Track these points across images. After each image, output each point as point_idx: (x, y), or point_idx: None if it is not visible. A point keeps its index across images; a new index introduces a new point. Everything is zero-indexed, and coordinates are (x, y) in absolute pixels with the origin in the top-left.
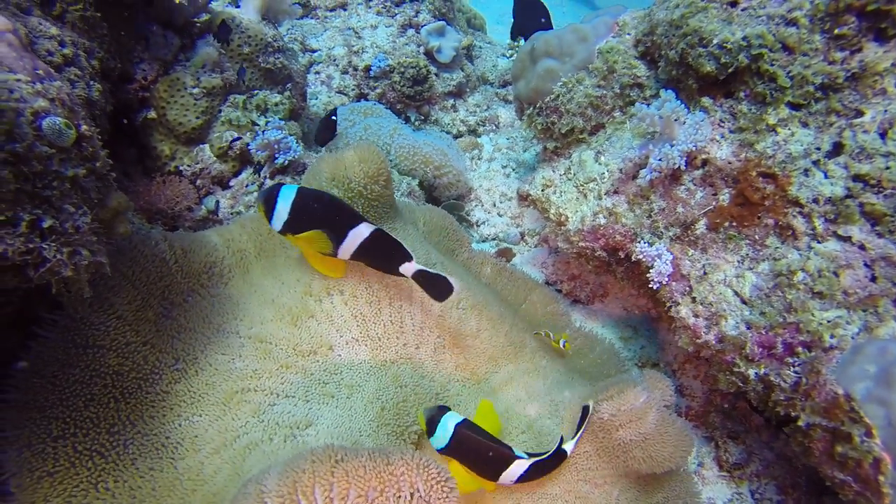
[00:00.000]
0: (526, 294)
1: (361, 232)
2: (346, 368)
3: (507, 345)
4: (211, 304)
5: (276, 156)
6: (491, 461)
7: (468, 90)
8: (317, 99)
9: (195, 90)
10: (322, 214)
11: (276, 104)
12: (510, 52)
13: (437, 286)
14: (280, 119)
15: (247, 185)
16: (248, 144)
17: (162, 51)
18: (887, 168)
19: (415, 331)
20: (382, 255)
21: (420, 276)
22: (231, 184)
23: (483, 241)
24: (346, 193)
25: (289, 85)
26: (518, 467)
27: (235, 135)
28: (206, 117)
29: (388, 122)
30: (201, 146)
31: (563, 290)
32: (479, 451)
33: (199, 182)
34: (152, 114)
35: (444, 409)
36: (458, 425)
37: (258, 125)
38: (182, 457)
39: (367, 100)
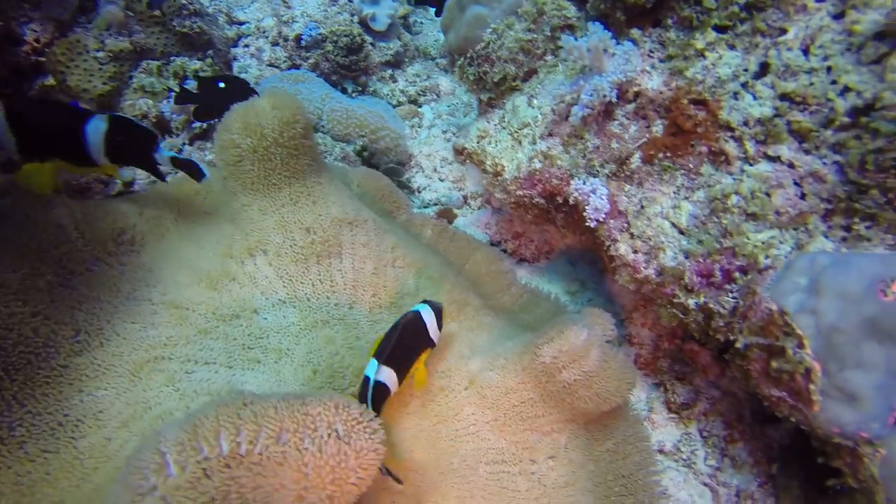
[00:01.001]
0: (469, 254)
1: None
2: (274, 332)
3: (449, 303)
4: (120, 273)
5: (193, 120)
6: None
7: (407, 60)
8: (247, 73)
9: (100, 54)
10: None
11: (196, 71)
12: None
13: (191, 171)
14: None
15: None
16: (161, 110)
17: (55, 10)
18: (811, 84)
19: (347, 289)
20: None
21: (176, 163)
22: None
23: (425, 207)
24: (260, 143)
25: (210, 52)
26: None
27: (151, 102)
28: (114, 83)
29: (319, 87)
30: None
31: (507, 249)
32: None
33: None
34: (50, 80)
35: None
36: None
37: (175, 92)
38: (83, 435)
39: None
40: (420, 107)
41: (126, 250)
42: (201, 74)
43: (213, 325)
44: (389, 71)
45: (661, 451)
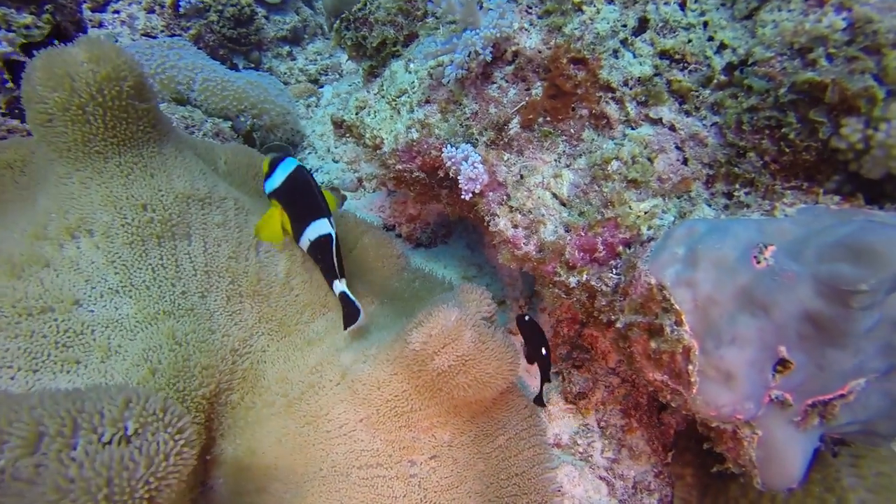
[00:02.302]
0: (357, 238)
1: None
2: (101, 327)
3: (328, 292)
4: None
5: (5, 79)
6: (306, 211)
7: (307, 37)
8: (117, 42)
9: None
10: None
11: (26, 26)
12: None
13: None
14: (18, 43)
15: None
16: None
17: None
18: (689, 41)
19: (198, 276)
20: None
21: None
22: None
23: None
24: (71, 99)
25: (47, 6)
26: (323, 227)
27: None
28: None
29: (191, 55)
30: None
31: (402, 233)
32: (304, 196)
33: None
34: None
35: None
36: (295, 168)
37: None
38: None
39: None
40: (321, 87)
41: None
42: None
43: (10, 321)
44: (287, 47)
45: (557, 445)
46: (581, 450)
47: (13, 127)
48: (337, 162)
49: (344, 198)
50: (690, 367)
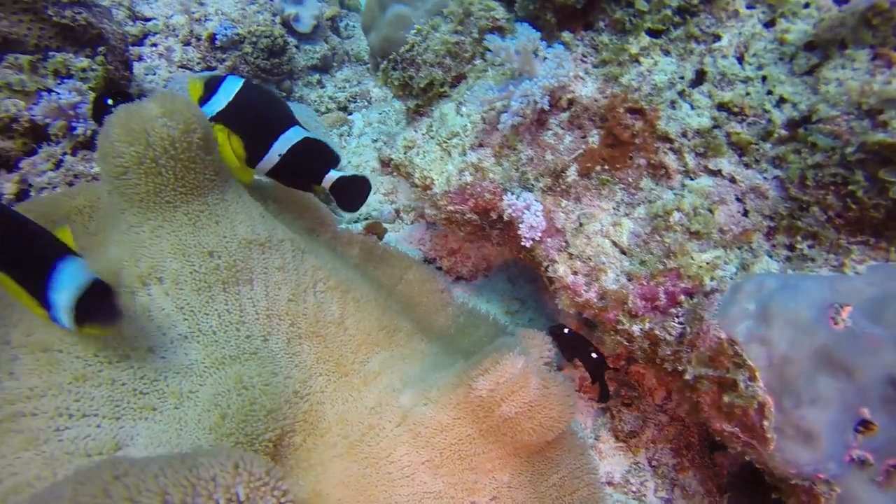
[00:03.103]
0: (401, 273)
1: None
2: (172, 373)
3: (379, 329)
4: None
5: (74, 125)
6: (264, 128)
7: (335, 65)
8: (155, 74)
9: None
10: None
11: (84, 69)
12: None
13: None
14: (83, 89)
15: (39, 165)
16: (31, 111)
17: None
18: (747, 94)
19: (259, 320)
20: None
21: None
22: (20, 165)
23: (354, 222)
24: (146, 152)
25: (100, 48)
26: (294, 134)
27: (21, 104)
28: None
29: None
30: None
31: (443, 266)
32: (258, 115)
33: None
34: None
35: (227, 77)
36: (242, 85)
37: (47, 94)
38: None
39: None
40: (350, 114)
41: None
42: (113, 89)
43: (94, 370)
44: (317, 75)
45: (609, 483)
46: (634, 489)
47: (80, 172)
48: (374, 193)
49: (385, 231)
50: (766, 422)
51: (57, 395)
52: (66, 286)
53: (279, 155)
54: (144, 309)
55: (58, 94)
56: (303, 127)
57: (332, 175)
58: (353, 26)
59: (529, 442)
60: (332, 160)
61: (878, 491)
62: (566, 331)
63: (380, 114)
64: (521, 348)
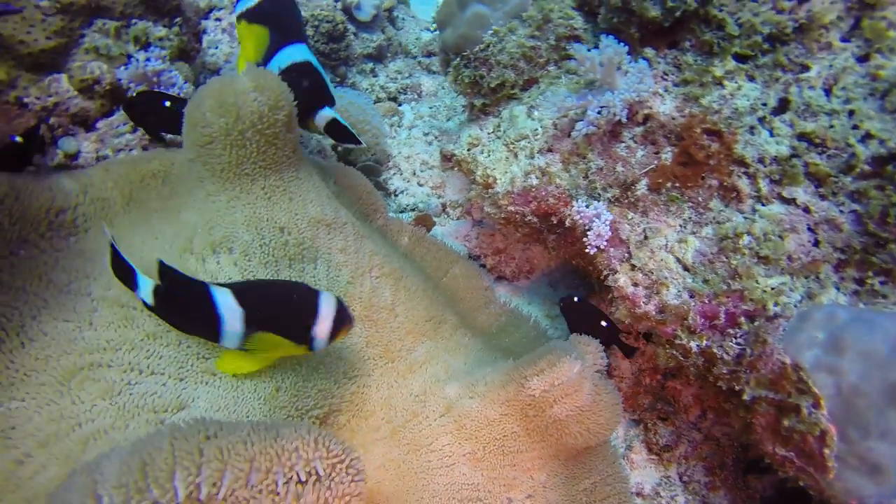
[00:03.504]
0: (448, 267)
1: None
2: None
3: (426, 320)
4: (53, 260)
5: None
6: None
7: (389, 55)
8: (217, 48)
9: (43, 2)
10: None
11: (161, 38)
12: (434, 26)
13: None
14: (166, 57)
15: (118, 127)
16: (117, 76)
17: None
18: (831, 127)
19: None
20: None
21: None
22: (97, 125)
23: (401, 212)
24: (235, 125)
25: (177, 19)
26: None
27: (105, 67)
28: (61, 39)
29: None
30: (56, 76)
31: (486, 265)
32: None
33: (52, 120)
34: None
35: None
36: None
37: (136, 59)
38: None
39: None
40: (399, 105)
41: (63, 234)
42: (147, 89)
43: (164, 330)
44: (370, 64)
45: (638, 494)
46: (664, 502)
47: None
48: (422, 186)
49: (434, 224)
50: (826, 451)
51: (130, 350)
52: (325, 319)
53: (279, 68)
54: (212, 277)
55: (147, 60)
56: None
57: (327, 114)
58: (403, 18)
59: (574, 445)
60: (327, 96)
61: None
62: (576, 299)
63: (430, 108)
64: (577, 353)
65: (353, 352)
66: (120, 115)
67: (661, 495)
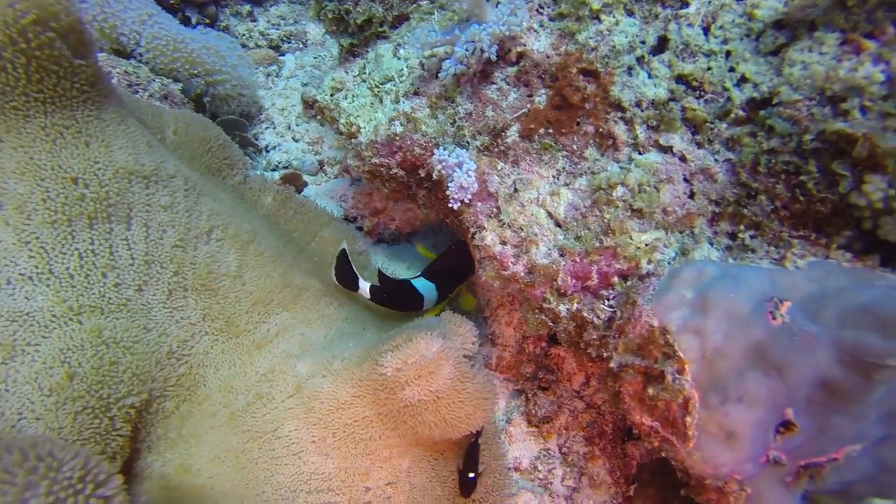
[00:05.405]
0: (316, 230)
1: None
2: (5, 320)
3: (283, 287)
4: None
5: None
6: None
7: None
8: None
9: None
10: None
11: None
12: None
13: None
14: None
15: None
16: None
17: None
18: (709, 69)
19: (135, 266)
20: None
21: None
22: None
23: (273, 170)
24: None
25: None
26: None
27: None
28: None
29: (140, 3)
30: None
31: (364, 227)
32: None
33: None
34: None
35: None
36: None
37: None
38: None
39: None
40: (282, 55)
41: None
42: None
43: None
44: (247, 6)
45: (516, 469)
46: (541, 476)
47: None
48: (297, 141)
49: (305, 183)
50: (688, 419)
51: None
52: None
53: None
54: None
55: None
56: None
57: None
58: None
59: (430, 437)
60: None
61: (786, 491)
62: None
63: (315, 58)
64: (442, 332)
65: (184, 327)
66: None
67: (539, 469)
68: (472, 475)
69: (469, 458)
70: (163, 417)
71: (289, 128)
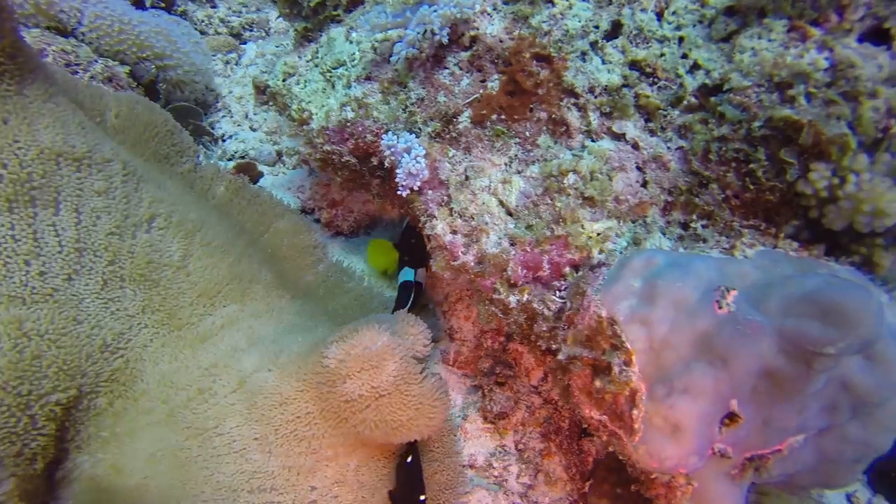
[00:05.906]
0: (270, 221)
1: None
2: None
3: (231, 279)
4: None
5: None
6: None
7: None
8: None
9: None
10: None
11: None
12: None
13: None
14: None
15: None
16: None
17: None
18: (662, 55)
19: (63, 253)
20: None
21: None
22: None
23: (229, 160)
24: None
25: None
26: None
27: None
28: None
29: None
30: None
31: (321, 219)
32: None
33: None
34: None
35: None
36: None
37: None
38: None
39: None
40: (244, 43)
41: None
42: None
43: None
44: None
45: (471, 466)
46: (496, 473)
47: None
48: (255, 130)
49: (260, 174)
50: (635, 412)
51: None
52: None
53: None
54: None
55: None
56: None
57: None
58: None
59: (371, 437)
60: None
61: (732, 483)
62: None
63: (277, 46)
64: (392, 328)
65: (121, 319)
66: None
67: (494, 466)
68: (423, 498)
69: (406, 480)
70: (94, 415)
71: (246, 117)
